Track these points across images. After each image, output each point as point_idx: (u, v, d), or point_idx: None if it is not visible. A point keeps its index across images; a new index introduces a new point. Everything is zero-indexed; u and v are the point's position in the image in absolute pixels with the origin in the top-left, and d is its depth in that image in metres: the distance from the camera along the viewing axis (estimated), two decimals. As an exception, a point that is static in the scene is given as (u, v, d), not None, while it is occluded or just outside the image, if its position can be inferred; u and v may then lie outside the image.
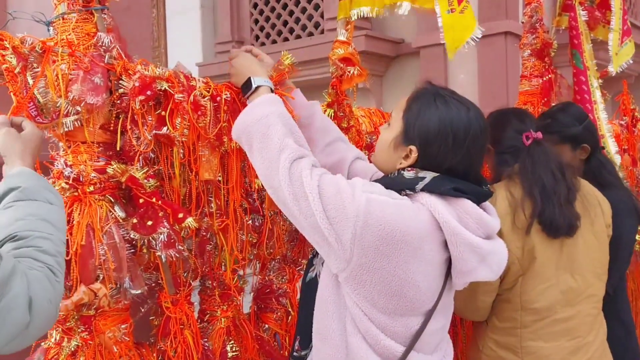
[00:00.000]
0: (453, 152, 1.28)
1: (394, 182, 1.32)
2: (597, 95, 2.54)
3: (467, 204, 1.26)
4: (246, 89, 1.47)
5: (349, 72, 1.82)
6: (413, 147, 1.31)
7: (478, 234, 1.26)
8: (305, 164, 1.26)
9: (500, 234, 1.62)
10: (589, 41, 2.64)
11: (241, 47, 1.63)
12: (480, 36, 1.78)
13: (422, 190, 1.27)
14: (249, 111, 1.37)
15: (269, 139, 1.30)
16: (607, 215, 1.89)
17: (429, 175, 1.28)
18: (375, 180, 1.35)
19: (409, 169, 1.32)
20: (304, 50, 6.11)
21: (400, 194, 1.28)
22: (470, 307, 1.79)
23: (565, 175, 1.75)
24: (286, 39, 6.85)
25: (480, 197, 1.32)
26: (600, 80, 2.74)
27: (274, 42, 6.99)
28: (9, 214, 1.08)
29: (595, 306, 1.83)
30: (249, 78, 1.46)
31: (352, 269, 1.22)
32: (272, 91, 1.47)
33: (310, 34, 6.63)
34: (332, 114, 1.86)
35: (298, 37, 6.73)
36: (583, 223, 1.75)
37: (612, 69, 2.68)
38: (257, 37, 7.18)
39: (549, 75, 2.83)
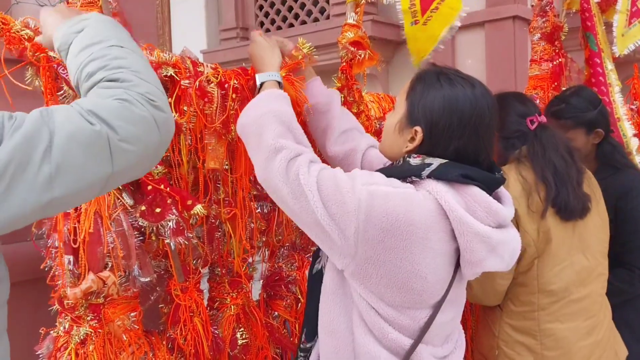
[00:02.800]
0: (459, 131, 1.23)
1: (398, 169, 1.28)
2: (612, 77, 2.49)
3: (475, 191, 1.21)
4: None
5: (360, 55, 1.78)
6: (418, 128, 1.25)
7: (487, 223, 1.20)
8: (302, 162, 1.22)
9: (516, 216, 1.64)
10: (602, 23, 2.58)
11: (254, 31, 1.61)
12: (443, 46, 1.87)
13: (429, 177, 1.21)
14: (247, 111, 1.35)
15: (263, 140, 1.27)
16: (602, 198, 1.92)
17: (436, 162, 1.22)
18: (379, 170, 1.30)
19: (415, 155, 1.26)
20: (309, 36, 6.01)
21: (405, 181, 1.24)
22: (489, 291, 1.77)
23: (574, 158, 1.75)
24: (291, 25, 6.79)
25: (491, 184, 1.26)
26: (612, 64, 2.69)
27: (279, 28, 6.94)
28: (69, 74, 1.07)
29: (603, 285, 1.86)
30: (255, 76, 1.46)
31: (357, 263, 1.19)
32: (279, 84, 1.45)
33: (316, 20, 6.57)
34: (342, 99, 1.83)
35: (303, 22, 6.67)
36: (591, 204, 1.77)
37: (617, 51, 2.63)
38: (261, 24, 7.12)
39: (560, 59, 2.79)
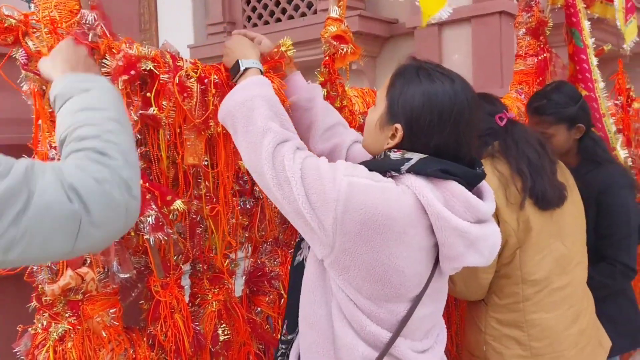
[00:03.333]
0: (440, 127, 1.22)
1: (379, 163, 1.27)
2: (596, 73, 2.51)
3: (454, 186, 1.20)
4: (234, 72, 1.43)
5: (342, 50, 1.77)
6: (398, 125, 1.25)
7: (465, 218, 1.20)
8: (289, 148, 1.22)
9: (495, 208, 1.65)
10: (586, 18, 2.60)
11: (235, 30, 1.59)
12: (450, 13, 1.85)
13: (408, 171, 1.21)
14: (235, 94, 1.33)
15: (252, 122, 1.26)
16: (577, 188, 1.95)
17: (415, 157, 1.22)
18: (360, 163, 1.29)
19: (396, 150, 1.26)
20: (296, 31, 6.03)
21: (385, 176, 1.23)
22: (473, 286, 1.78)
23: (546, 149, 1.79)
24: (279, 20, 6.76)
25: (472, 179, 1.26)
26: (596, 59, 2.71)
27: (267, 23, 6.91)
28: (57, 126, 1.07)
29: (583, 273, 1.89)
30: (237, 60, 1.42)
31: (335, 254, 1.18)
32: (261, 73, 1.43)
33: (303, 15, 6.55)
34: (325, 94, 1.82)
35: (291, 17, 6.65)
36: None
37: (626, 46, 2.67)
38: (249, 18, 7.09)
39: (544, 54, 2.81)
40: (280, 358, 1.47)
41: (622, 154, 2.47)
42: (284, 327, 1.45)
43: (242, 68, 1.41)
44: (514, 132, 1.77)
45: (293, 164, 1.19)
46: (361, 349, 1.23)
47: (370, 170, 1.23)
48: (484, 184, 1.33)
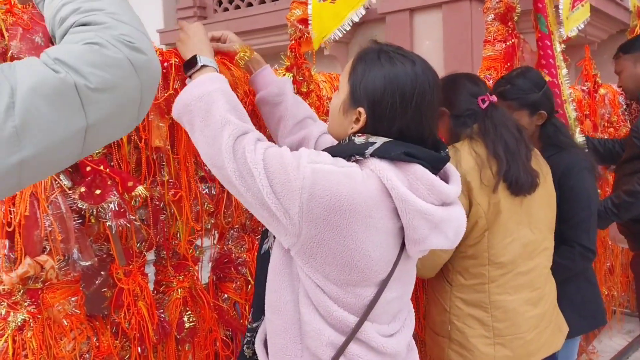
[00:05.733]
0: (402, 109, 1.22)
1: (343, 148, 1.27)
2: (560, 59, 2.53)
3: (418, 169, 1.21)
4: (189, 66, 1.40)
5: (308, 34, 1.76)
6: (361, 109, 1.25)
7: (429, 201, 1.21)
8: (249, 139, 1.20)
9: (469, 189, 1.70)
10: (552, 5, 2.62)
11: (196, 21, 1.56)
12: (349, 26, 1.80)
13: (372, 155, 1.21)
14: (192, 89, 1.30)
15: (211, 116, 1.24)
16: (550, 175, 1.98)
17: (379, 140, 1.22)
18: (325, 149, 1.29)
19: (360, 134, 1.26)
20: (268, 15, 5.97)
21: (350, 160, 1.23)
22: (428, 264, 1.81)
23: (522, 136, 1.81)
24: (250, 4, 6.68)
25: (436, 162, 1.26)
26: (563, 46, 2.74)
27: (238, 7, 6.82)
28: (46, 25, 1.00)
29: (548, 259, 1.93)
30: (195, 56, 1.39)
31: (302, 242, 1.18)
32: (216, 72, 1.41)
33: (275, -1, 6.49)
34: (291, 78, 1.81)
35: (262, 2, 6.57)
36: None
37: (564, 33, 2.68)
38: (219, 3, 6.99)
39: (512, 40, 2.82)
40: (246, 346, 1.46)
41: (579, 139, 2.50)
42: (250, 315, 1.44)
43: (199, 64, 1.38)
44: (494, 116, 1.79)
45: (255, 155, 1.17)
46: (327, 333, 1.23)
47: (334, 155, 1.23)
48: (450, 167, 1.34)
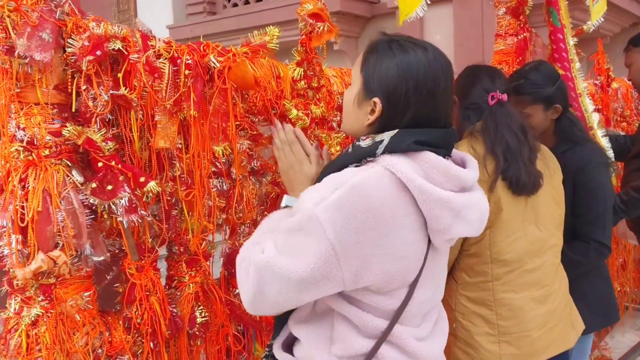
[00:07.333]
0: (416, 96, 1.20)
1: (351, 156, 1.25)
2: (573, 53, 2.51)
3: (430, 156, 1.18)
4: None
5: (319, 28, 1.75)
6: (376, 99, 1.23)
7: (448, 188, 1.18)
8: (267, 252, 1.18)
9: None
10: (565, -2, 2.59)
11: (284, 125, 1.51)
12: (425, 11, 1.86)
13: (383, 153, 1.19)
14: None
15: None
16: (560, 172, 1.95)
17: (386, 136, 1.20)
18: (328, 164, 1.27)
19: (364, 137, 1.24)
20: (279, 10, 5.96)
21: (362, 163, 1.21)
22: None
23: (527, 136, 1.78)
24: (259, 0, 6.67)
25: (445, 138, 1.24)
26: (575, 39, 2.71)
27: (247, 2, 6.82)
28: None
29: (557, 256, 1.90)
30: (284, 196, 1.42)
31: (348, 279, 1.15)
32: None
33: (285, -6, 6.46)
34: (302, 73, 1.80)
35: (272, -3, 6.56)
36: (544, 179, 1.80)
37: (590, 24, 2.66)
38: (229, -2, 6.99)
39: (524, 34, 2.79)
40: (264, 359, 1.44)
41: (599, 133, 2.48)
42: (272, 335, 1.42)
43: (282, 205, 1.41)
44: (497, 115, 1.76)
45: (270, 257, 1.16)
46: (359, 341, 1.21)
47: (341, 167, 1.21)
48: (467, 154, 1.32)
